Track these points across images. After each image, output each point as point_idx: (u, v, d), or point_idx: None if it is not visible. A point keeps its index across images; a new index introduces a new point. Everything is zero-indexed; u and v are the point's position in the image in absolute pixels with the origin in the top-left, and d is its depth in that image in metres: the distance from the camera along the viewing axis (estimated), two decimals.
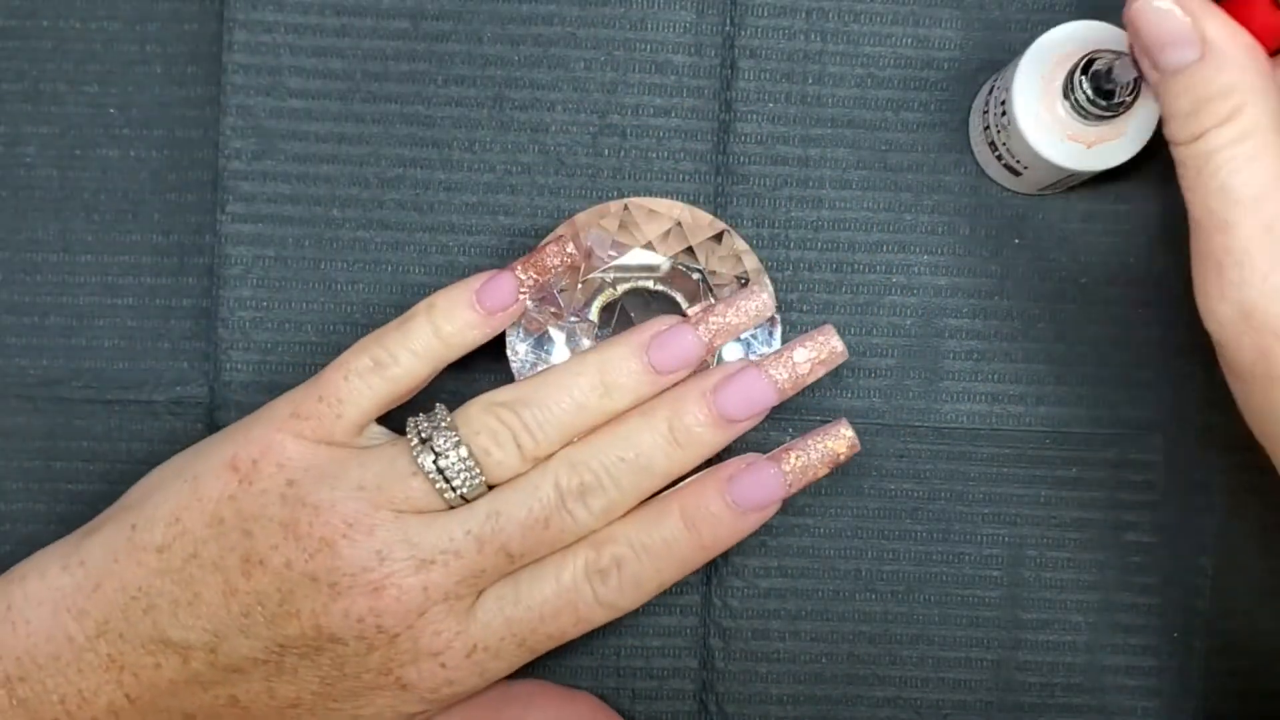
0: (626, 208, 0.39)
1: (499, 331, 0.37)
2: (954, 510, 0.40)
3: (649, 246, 0.39)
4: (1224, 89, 0.30)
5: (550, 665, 0.40)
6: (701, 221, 0.39)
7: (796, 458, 0.36)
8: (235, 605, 0.34)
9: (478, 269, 0.39)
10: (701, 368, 0.37)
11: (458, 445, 0.35)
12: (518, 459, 0.35)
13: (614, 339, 0.36)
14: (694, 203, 0.39)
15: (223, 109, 0.39)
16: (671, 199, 0.39)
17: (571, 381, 0.36)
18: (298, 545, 0.34)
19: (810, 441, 0.37)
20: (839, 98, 0.40)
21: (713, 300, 0.39)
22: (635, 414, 0.36)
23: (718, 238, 0.39)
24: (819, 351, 0.36)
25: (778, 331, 0.39)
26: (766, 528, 0.40)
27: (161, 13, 0.40)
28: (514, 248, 0.39)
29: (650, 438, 0.36)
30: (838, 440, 0.36)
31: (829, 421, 0.37)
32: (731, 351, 0.39)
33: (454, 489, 0.35)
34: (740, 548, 0.40)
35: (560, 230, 0.38)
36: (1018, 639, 0.40)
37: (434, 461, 0.34)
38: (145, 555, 0.35)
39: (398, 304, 0.39)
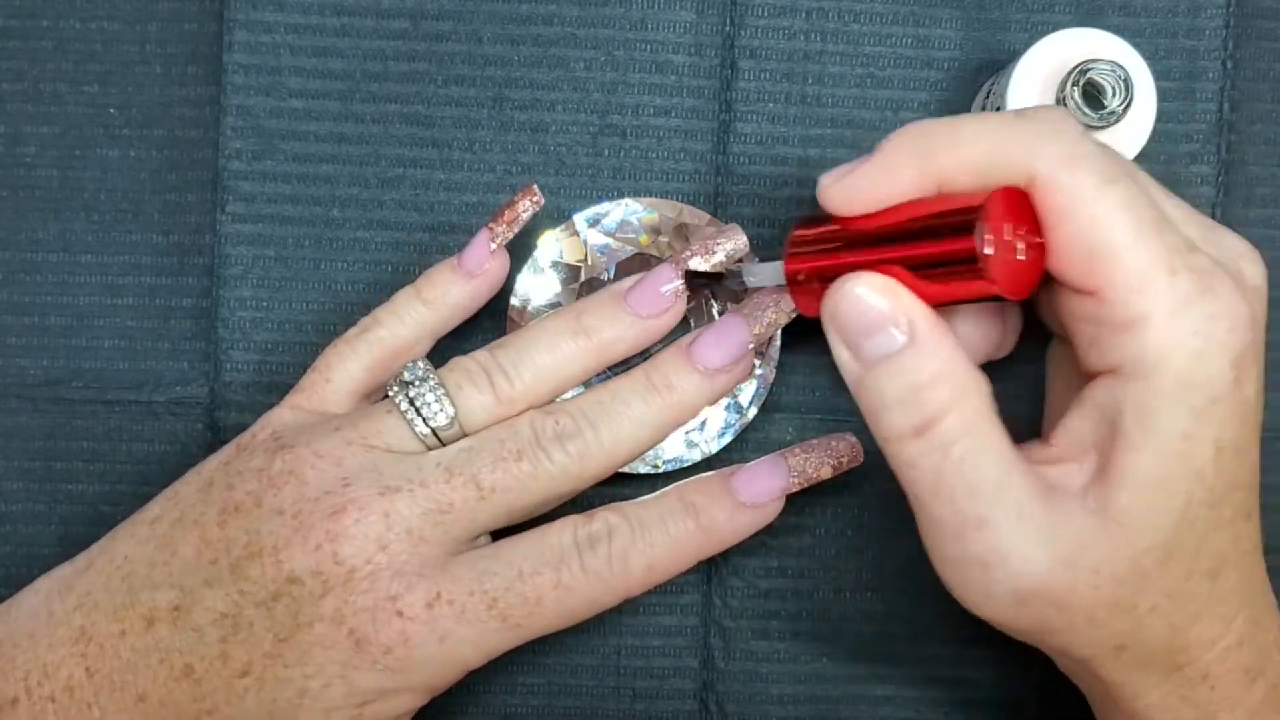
0: (624, 208, 0.39)
1: (483, 293, 0.37)
2: None
3: (648, 246, 0.39)
4: (938, 374, 0.29)
5: (551, 665, 0.40)
6: (698, 219, 0.39)
7: (800, 455, 0.37)
8: (206, 554, 0.34)
9: None
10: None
11: (428, 379, 0.35)
12: (491, 397, 0.35)
13: (595, 292, 0.37)
14: (694, 203, 0.39)
15: (223, 109, 0.39)
16: (672, 199, 0.39)
17: (550, 324, 0.36)
18: (269, 482, 0.34)
19: (815, 443, 0.37)
20: (839, 98, 0.40)
21: (708, 292, 0.39)
22: (619, 375, 0.36)
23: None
24: (782, 303, 0.36)
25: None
26: (767, 527, 0.40)
27: (161, 13, 0.40)
28: (514, 247, 0.39)
29: (628, 384, 0.35)
30: (841, 442, 0.37)
31: (831, 432, 0.37)
32: None
33: (425, 421, 0.34)
34: (740, 548, 0.40)
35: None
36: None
37: (406, 395, 0.35)
38: (139, 529, 0.35)
39: None
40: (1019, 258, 0.29)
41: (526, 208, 0.37)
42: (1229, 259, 0.31)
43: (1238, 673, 0.32)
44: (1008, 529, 0.30)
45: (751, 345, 0.36)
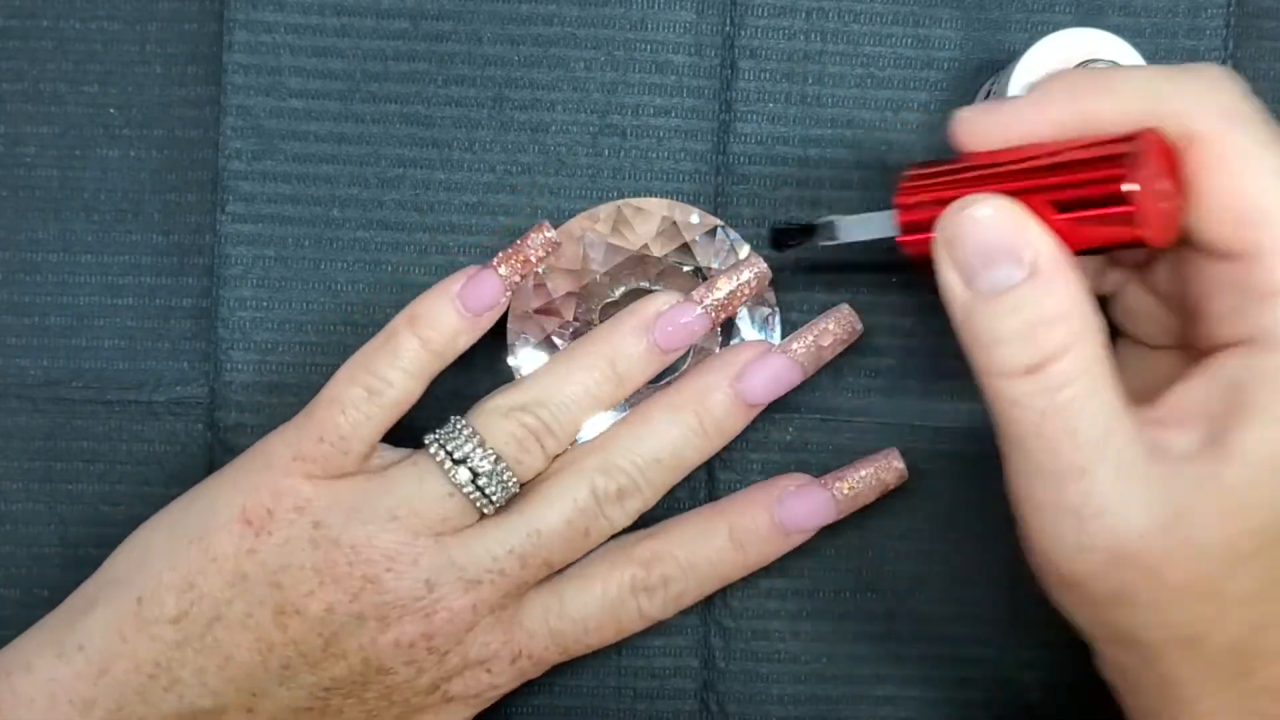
0: (619, 210, 0.39)
1: (487, 329, 0.36)
2: (954, 510, 0.40)
3: (645, 248, 0.38)
4: (1058, 314, 0.28)
5: None
6: (694, 218, 0.39)
7: (849, 487, 0.37)
8: (274, 660, 0.33)
9: None
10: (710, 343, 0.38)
11: (491, 457, 0.34)
12: (542, 460, 0.35)
13: (616, 321, 0.36)
14: (694, 203, 0.39)
15: (223, 109, 0.39)
16: (671, 199, 0.39)
17: (584, 376, 0.35)
18: (338, 588, 0.33)
19: (862, 470, 0.37)
20: (839, 98, 0.40)
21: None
22: (660, 408, 0.36)
23: (711, 233, 0.39)
24: (842, 329, 0.37)
25: (776, 325, 0.39)
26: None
27: (161, 13, 0.40)
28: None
29: (680, 433, 0.36)
30: (888, 471, 0.37)
31: (879, 451, 0.38)
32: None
33: (491, 501, 0.34)
34: None
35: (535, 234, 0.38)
36: (1018, 638, 0.40)
37: (470, 478, 0.34)
38: (159, 629, 0.33)
39: (398, 304, 0.39)
40: (1163, 204, 0.28)
41: (539, 253, 0.36)
42: None
43: None
44: (1109, 481, 0.28)
45: (799, 379, 0.37)
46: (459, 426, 0.35)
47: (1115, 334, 0.35)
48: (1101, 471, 0.28)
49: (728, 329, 0.39)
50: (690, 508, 0.39)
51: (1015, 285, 0.28)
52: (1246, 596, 0.29)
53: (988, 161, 0.30)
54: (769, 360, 0.36)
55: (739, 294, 0.36)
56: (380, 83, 0.39)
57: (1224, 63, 0.39)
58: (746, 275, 0.36)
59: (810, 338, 0.37)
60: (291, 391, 0.39)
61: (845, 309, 0.37)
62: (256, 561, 0.33)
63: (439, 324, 0.35)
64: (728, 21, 0.39)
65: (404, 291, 0.39)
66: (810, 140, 0.40)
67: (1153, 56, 0.38)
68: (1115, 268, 0.34)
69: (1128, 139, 0.28)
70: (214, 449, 0.39)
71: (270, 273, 0.39)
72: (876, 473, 0.37)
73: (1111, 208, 0.28)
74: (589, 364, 0.36)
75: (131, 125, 0.40)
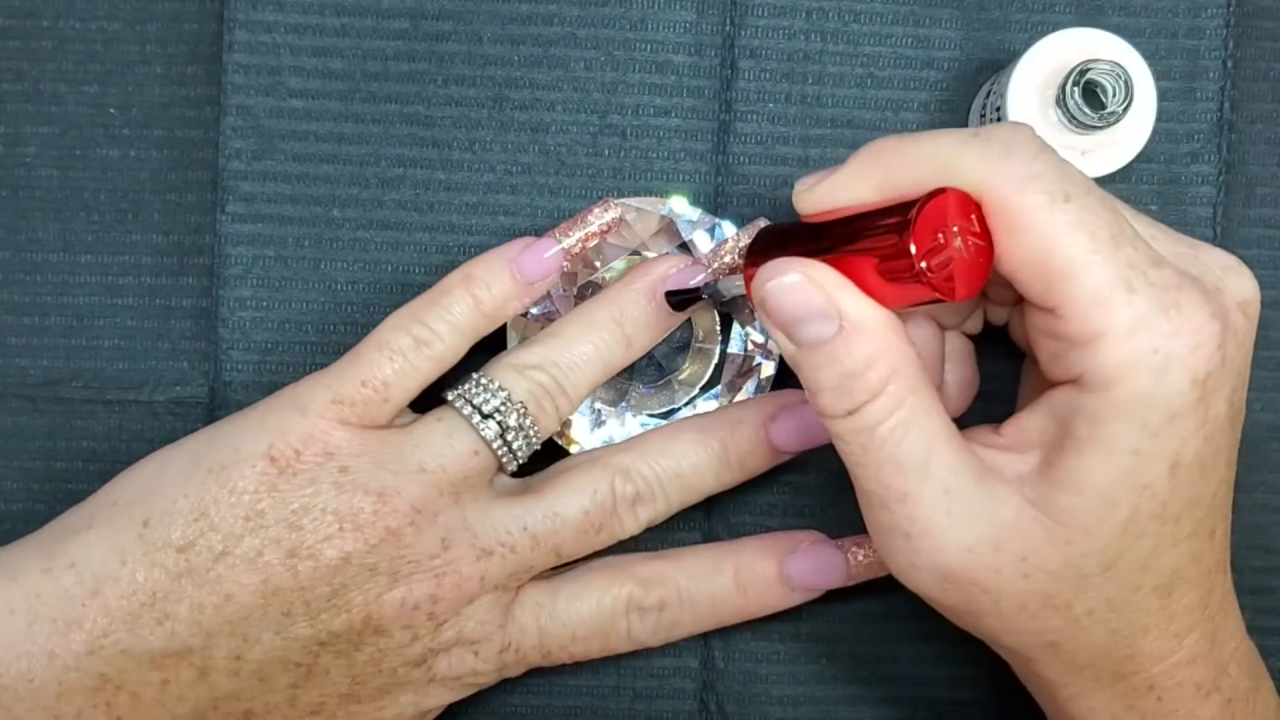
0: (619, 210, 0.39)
1: (536, 301, 0.36)
2: None
3: (642, 247, 0.38)
4: (868, 360, 0.30)
5: None
6: (690, 216, 0.39)
7: (865, 556, 0.37)
8: (275, 605, 0.32)
9: None
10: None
11: (519, 409, 0.34)
12: (555, 420, 0.36)
13: (624, 283, 0.36)
14: (694, 203, 0.39)
15: (223, 109, 0.39)
16: (670, 198, 0.39)
17: (594, 336, 0.36)
18: (358, 536, 0.33)
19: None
20: (839, 98, 0.40)
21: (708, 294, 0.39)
22: (691, 428, 0.37)
23: (710, 232, 0.39)
24: None
25: None
26: (767, 529, 0.40)
27: (161, 13, 0.40)
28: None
29: (704, 456, 0.36)
30: None
31: None
32: (733, 359, 0.39)
33: (515, 457, 0.35)
34: None
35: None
36: None
37: (499, 432, 0.34)
38: (162, 555, 0.32)
39: (398, 304, 0.39)
40: (958, 258, 0.29)
41: (601, 226, 0.36)
42: (1210, 274, 0.30)
43: (1189, 687, 0.32)
44: (930, 502, 0.30)
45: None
46: (483, 382, 0.35)
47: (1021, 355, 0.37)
48: (923, 493, 0.30)
49: (726, 329, 0.39)
50: (687, 524, 0.39)
51: (827, 340, 0.30)
52: (1098, 611, 0.30)
53: (820, 226, 0.32)
54: (803, 409, 0.37)
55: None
56: (380, 83, 0.39)
57: (1224, 63, 0.39)
58: (748, 240, 0.36)
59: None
60: None
61: None
62: (277, 499, 0.33)
63: (493, 285, 0.35)
64: (728, 21, 0.39)
65: (404, 291, 0.39)
66: (810, 140, 0.40)
67: (1153, 56, 0.38)
68: (994, 305, 0.35)
69: (910, 204, 0.29)
70: None
71: (270, 273, 0.39)
72: None
73: (901, 270, 0.29)
74: (598, 324, 0.36)
75: (131, 125, 0.40)
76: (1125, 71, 0.35)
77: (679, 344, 0.40)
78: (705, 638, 0.40)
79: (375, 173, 0.39)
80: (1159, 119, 0.37)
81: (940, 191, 0.29)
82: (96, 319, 0.40)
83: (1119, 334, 0.28)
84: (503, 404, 0.34)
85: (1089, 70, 0.35)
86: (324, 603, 0.33)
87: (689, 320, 0.39)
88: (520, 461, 0.35)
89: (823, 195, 0.31)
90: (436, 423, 0.35)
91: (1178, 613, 0.31)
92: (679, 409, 0.39)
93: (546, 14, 0.39)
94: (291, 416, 0.33)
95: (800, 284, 0.30)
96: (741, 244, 0.36)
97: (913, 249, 0.29)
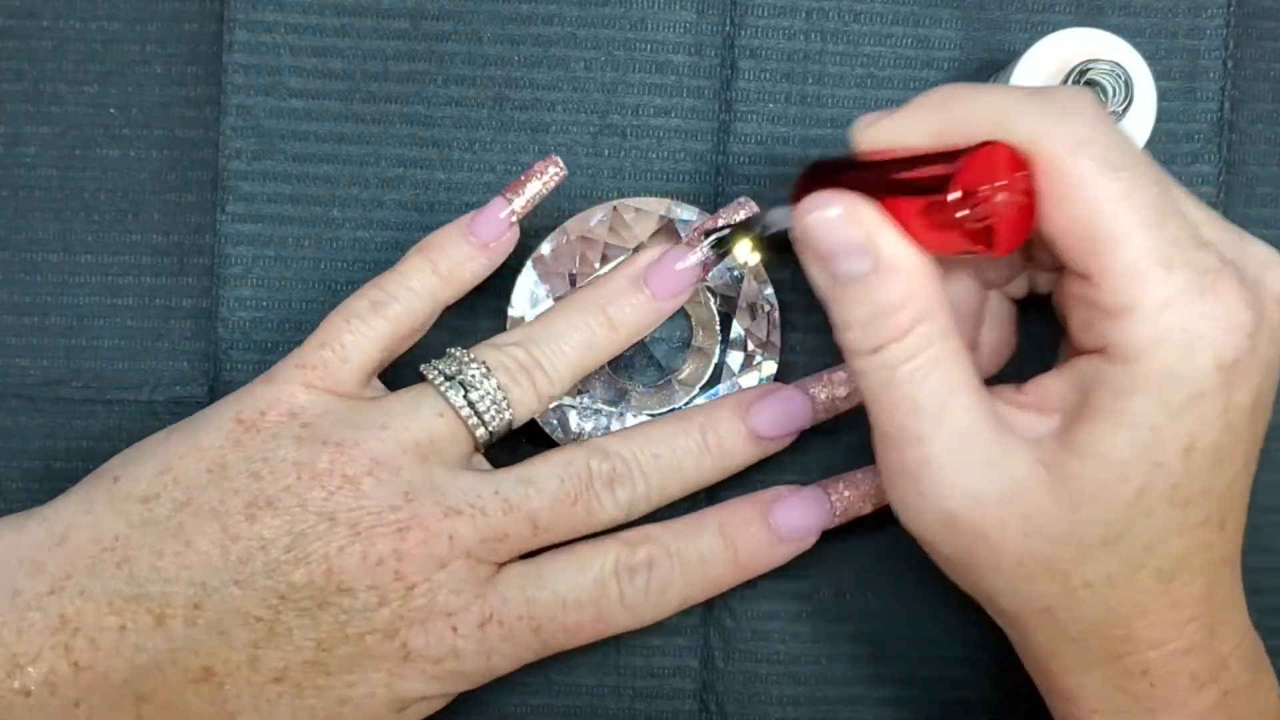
0: (615, 210, 0.39)
1: (496, 264, 0.37)
2: None
3: (642, 247, 0.38)
4: (900, 301, 0.30)
5: (550, 662, 0.40)
6: (692, 218, 0.39)
7: (845, 489, 0.37)
8: (234, 552, 0.32)
9: None
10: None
11: (487, 376, 0.34)
12: (534, 397, 0.35)
13: (612, 273, 0.36)
14: (694, 203, 0.39)
15: (223, 109, 0.39)
16: (671, 199, 0.39)
17: (579, 319, 0.36)
18: (315, 484, 0.33)
19: (859, 478, 0.37)
20: (839, 98, 0.40)
21: (709, 291, 0.39)
22: (673, 418, 0.37)
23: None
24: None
25: (777, 324, 0.39)
26: None
27: (161, 13, 0.40)
28: (514, 247, 0.39)
29: (684, 442, 0.36)
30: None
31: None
32: (734, 358, 0.39)
33: (484, 424, 0.34)
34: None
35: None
36: None
37: (464, 396, 0.34)
38: (128, 505, 0.33)
39: None
40: (1000, 212, 0.29)
41: (550, 176, 0.36)
42: (1253, 266, 0.30)
43: (1183, 677, 0.32)
44: (943, 446, 0.30)
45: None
46: (456, 354, 0.35)
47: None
48: (937, 436, 0.30)
49: (726, 328, 0.39)
50: None
51: (863, 276, 0.30)
52: (1097, 583, 0.30)
53: (871, 163, 0.32)
54: (782, 394, 0.37)
55: (731, 241, 0.36)
56: (380, 83, 0.39)
57: (1224, 63, 0.39)
58: (736, 218, 0.36)
59: (828, 393, 0.37)
60: None
61: None
62: (239, 453, 0.33)
63: (447, 249, 0.36)
64: (728, 21, 0.39)
65: None
66: (810, 140, 0.40)
67: (1153, 56, 0.38)
68: (1040, 271, 0.35)
69: (960, 153, 0.29)
70: None
71: (270, 273, 0.39)
72: (871, 476, 0.37)
73: (943, 215, 0.29)
74: (580, 308, 0.36)
75: (131, 125, 0.40)
76: (1125, 71, 0.35)
77: (679, 344, 0.40)
78: (705, 638, 0.40)
79: (375, 173, 0.39)
80: (1159, 119, 0.37)
81: (991, 143, 0.29)
82: (96, 319, 0.40)
83: (1151, 309, 0.29)
84: (474, 373, 0.34)
85: (1089, 70, 0.35)
86: (283, 552, 0.32)
87: (689, 320, 0.39)
88: (491, 431, 0.35)
89: (880, 133, 0.31)
90: (405, 393, 0.35)
91: (1179, 600, 0.31)
92: (679, 409, 0.39)
93: (546, 14, 0.39)
94: (260, 385, 0.35)
95: (840, 218, 0.30)
96: (732, 217, 0.36)
97: (952, 196, 0.29)
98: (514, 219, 0.36)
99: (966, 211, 0.29)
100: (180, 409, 0.39)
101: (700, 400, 0.39)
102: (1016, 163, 0.29)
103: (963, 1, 0.40)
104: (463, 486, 0.34)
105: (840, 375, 0.37)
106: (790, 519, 0.36)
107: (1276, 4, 0.40)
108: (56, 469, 0.40)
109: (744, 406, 0.36)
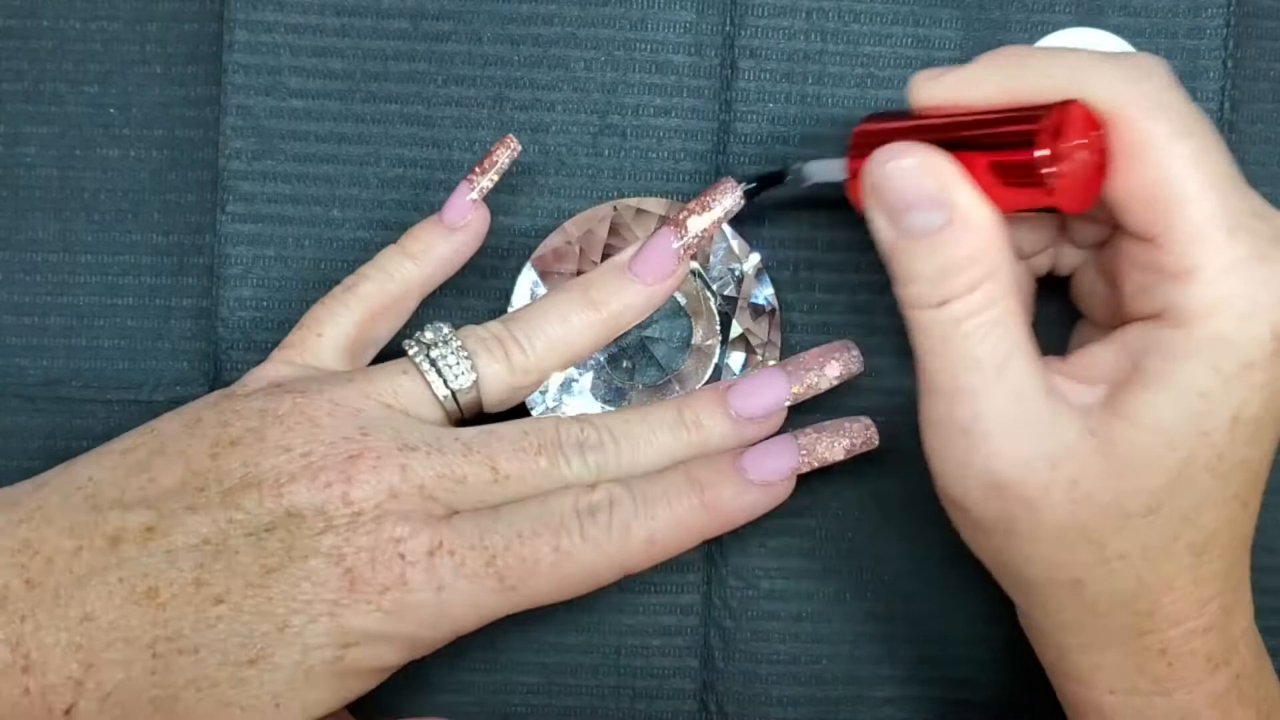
0: (615, 209, 0.39)
1: (468, 246, 0.37)
2: None
3: None
4: (970, 257, 0.30)
5: (551, 665, 0.40)
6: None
7: (812, 435, 0.36)
8: (192, 483, 0.33)
9: (477, 269, 0.39)
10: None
11: (451, 341, 0.35)
12: (506, 366, 0.35)
13: (601, 265, 0.37)
14: None
15: (223, 109, 0.39)
16: (669, 199, 0.39)
17: (559, 298, 0.36)
18: (277, 423, 0.33)
19: (828, 425, 0.37)
20: (839, 98, 0.40)
21: (709, 290, 0.39)
22: (652, 400, 0.37)
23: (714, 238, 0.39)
24: (845, 368, 0.37)
25: (778, 322, 0.39)
26: (767, 528, 0.40)
27: (161, 13, 0.40)
28: (514, 247, 0.39)
29: (658, 412, 0.36)
30: (854, 424, 0.37)
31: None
32: (734, 358, 0.39)
33: (445, 383, 0.35)
34: (741, 548, 0.40)
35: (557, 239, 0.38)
36: (1018, 638, 0.40)
37: (428, 355, 0.35)
38: (106, 457, 0.34)
39: None
40: (1078, 170, 0.30)
41: (504, 155, 0.37)
42: None
43: (1199, 658, 0.32)
44: (1000, 405, 0.30)
45: (789, 402, 0.36)
46: (432, 324, 0.36)
47: (1077, 315, 0.37)
48: (994, 395, 0.30)
49: (726, 328, 0.39)
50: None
51: (933, 230, 0.30)
52: (1133, 554, 0.31)
53: (933, 119, 0.32)
54: (760, 374, 0.37)
55: (712, 224, 0.35)
56: (380, 83, 0.39)
57: (1224, 63, 0.39)
58: (722, 202, 0.35)
59: (812, 376, 0.37)
60: None
61: (849, 345, 0.37)
62: (214, 410, 0.34)
63: (417, 234, 0.37)
64: (728, 21, 0.39)
65: None
66: (810, 140, 0.40)
67: None
68: (1072, 246, 0.36)
69: (1045, 109, 0.30)
70: None
71: (270, 273, 0.39)
72: (843, 424, 0.37)
73: (1022, 172, 0.29)
74: (563, 290, 0.36)
75: (131, 125, 0.40)
76: None
77: (679, 344, 0.40)
78: (705, 638, 0.40)
79: (375, 173, 0.39)
80: None
81: (1070, 102, 0.30)
82: (96, 319, 0.40)
83: (1214, 272, 0.29)
84: (443, 337, 0.35)
85: None
86: (237, 480, 0.33)
87: (689, 320, 0.39)
88: (453, 390, 0.35)
89: (947, 88, 0.32)
90: (380, 364, 0.36)
91: (1204, 577, 0.31)
92: None
93: (546, 14, 0.39)
94: (251, 370, 0.36)
95: (917, 168, 0.30)
96: (714, 213, 0.35)
97: (1040, 152, 0.29)
98: (473, 197, 0.37)
99: (1049, 169, 0.29)
100: None
101: None
102: (1093, 122, 0.30)
103: (963, 1, 0.40)
104: (422, 430, 0.34)
105: (815, 360, 0.37)
106: (756, 462, 0.35)
107: (1276, 4, 0.40)
108: None
109: (723, 388, 0.36)
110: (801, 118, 0.40)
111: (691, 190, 0.39)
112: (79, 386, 0.40)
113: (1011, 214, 0.31)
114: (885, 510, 0.40)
